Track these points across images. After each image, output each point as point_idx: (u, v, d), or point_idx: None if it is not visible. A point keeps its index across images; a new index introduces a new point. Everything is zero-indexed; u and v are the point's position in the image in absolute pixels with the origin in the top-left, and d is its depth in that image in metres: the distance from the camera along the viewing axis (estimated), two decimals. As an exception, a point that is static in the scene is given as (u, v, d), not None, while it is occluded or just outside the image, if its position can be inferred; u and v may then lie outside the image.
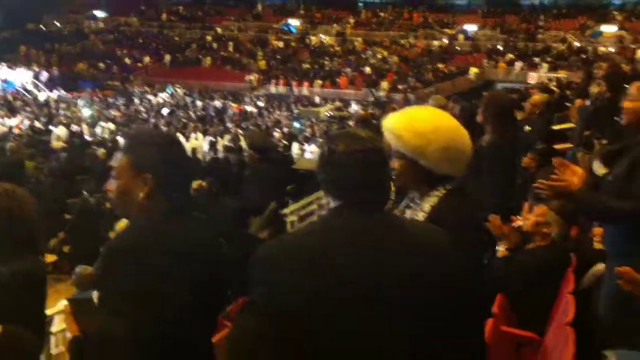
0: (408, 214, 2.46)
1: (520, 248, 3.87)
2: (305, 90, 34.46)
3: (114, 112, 24.14)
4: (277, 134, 18.94)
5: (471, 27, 39.57)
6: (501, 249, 3.83)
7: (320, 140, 16.81)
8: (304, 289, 1.75)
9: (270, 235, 4.94)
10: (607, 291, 3.34)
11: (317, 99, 31.75)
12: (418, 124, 2.33)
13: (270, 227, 4.99)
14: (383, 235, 1.83)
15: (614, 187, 3.19)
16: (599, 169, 5.10)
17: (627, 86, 3.99)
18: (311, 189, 12.08)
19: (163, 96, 31.10)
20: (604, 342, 3.19)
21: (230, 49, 40.74)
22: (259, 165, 5.09)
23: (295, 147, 16.86)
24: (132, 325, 1.86)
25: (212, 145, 16.87)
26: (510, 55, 34.41)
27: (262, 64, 37.96)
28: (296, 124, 23.08)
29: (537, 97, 7.72)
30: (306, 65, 37.44)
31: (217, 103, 29.59)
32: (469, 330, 2.03)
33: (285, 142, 17.11)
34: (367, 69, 35.78)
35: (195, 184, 10.87)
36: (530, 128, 6.91)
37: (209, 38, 42.40)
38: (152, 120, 22.20)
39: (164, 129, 18.57)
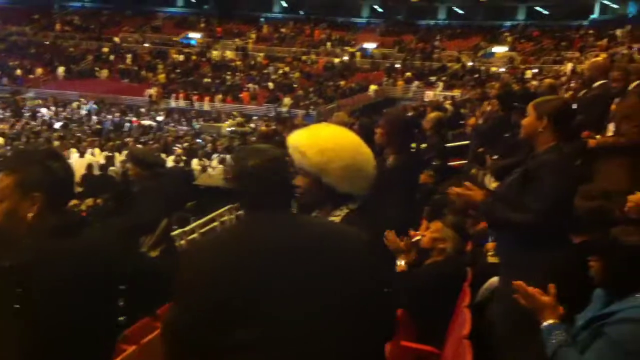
0: None
1: (418, 263, 3.94)
2: (206, 105, 34.09)
3: (2, 125, 22.96)
4: (177, 149, 18.59)
5: (370, 45, 40.52)
6: (400, 264, 3.89)
7: (224, 156, 16.66)
8: (219, 286, 1.85)
9: (162, 254, 4.79)
10: (501, 303, 3.45)
11: (218, 114, 31.50)
12: (321, 141, 2.34)
13: (162, 246, 4.84)
14: (295, 233, 1.97)
15: (507, 199, 3.35)
16: (491, 183, 5.32)
17: (517, 105, 4.17)
18: (214, 205, 11.90)
19: (54, 109, 29.91)
20: (500, 353, 3.29)
21: (129, 61, 39.77)
22: (147, 182, 4.92)
23: (194, 163, 16.61)
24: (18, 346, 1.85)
25: (109, 160, 16.33)
26: (408, 74, 35.45)
27: (162, 77, 37.25)
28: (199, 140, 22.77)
29: (430, 116, 7.97)
30: (207, 80, 37.07)
31: (114, 117, 28.75)
32: (372, 337, 2.04)
33: (185, 157, 16.83)
34: (270, 85, 35.86)
35: (89, 201, 10.51)
36: (426, 145, 7.09)
37: (105, 50, 41.21)
38: (44, 135, 21.26)
39: (57, 143, 17.82)
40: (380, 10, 43.52)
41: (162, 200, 4.95)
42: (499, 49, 37.48)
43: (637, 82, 6.71)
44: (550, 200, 3.15)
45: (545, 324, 2.74)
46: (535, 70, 30.90)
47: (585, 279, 2.94)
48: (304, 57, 39.39)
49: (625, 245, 2.64)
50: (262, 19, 44.87)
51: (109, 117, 28.83)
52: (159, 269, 4.15)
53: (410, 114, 11.20)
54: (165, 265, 4.51)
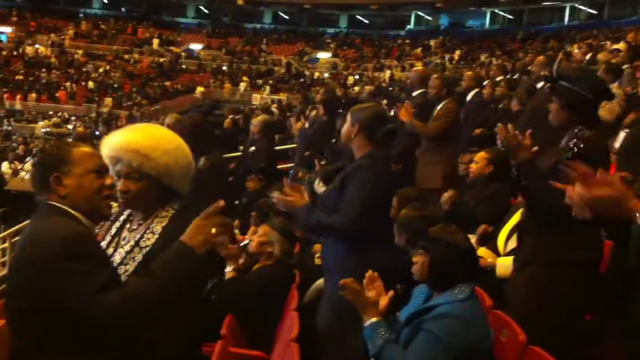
0: (128, 235, 2.36)
1: (247, 268, 3.93)
2: (18, 104, 31.74)
3: None
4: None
5: (196, 46, 40.00)
6: (229, 270, 3.85)
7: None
8: None
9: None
10: (327, 304, 3.53)
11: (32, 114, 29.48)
12: (163, 142, 2.31)
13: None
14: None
15: (329, 203, 3.44)
16: (319, 187, 5.44)
17: (341, 111, 4.29)
18: (27, 212, 11.05)
19: None
20: (326, 354, 3.36)
21: None
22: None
23: (4, 166, 15.40)
24: None
25: None
26: (237, 77, 35.45)
27: (-33, 73, 34.22)
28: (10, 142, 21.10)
29: (256, 119, 8.01)
30: (19, 77, 34.53)
31: None
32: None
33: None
34: (90, 84, 34.16)
35: None
36: (255, 148, 7.12)
37: None
38: None
39: None
40: (206, 11, 43.10)
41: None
42: (323, 55, 38.66)
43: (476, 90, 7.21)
44: (361, 204, 3.28)
45: (368, 322, 2.84)
46: (357, 77, 32.24)
47: (407, 277, 3.09)
48: (126, 56, 37.98)
49: (446, 242, 2.82)
50: (80, 14, 42.57)
51: None
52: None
53: (236, 117, 11.16)
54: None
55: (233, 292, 3.77)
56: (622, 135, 4.86)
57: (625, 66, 7.78)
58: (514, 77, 10.43)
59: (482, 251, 4.15)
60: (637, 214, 1.76)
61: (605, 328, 2.98)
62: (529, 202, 3.28)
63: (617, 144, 4.45)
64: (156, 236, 2.29)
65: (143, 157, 2.27)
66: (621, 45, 12.38)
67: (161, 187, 2.32)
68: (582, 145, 2.98)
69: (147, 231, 2.31)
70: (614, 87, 6.59)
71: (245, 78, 35.01)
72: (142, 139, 2.31)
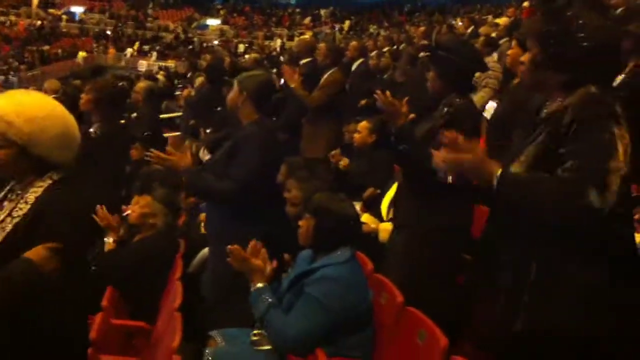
0: (7, 205, 2.25)
1: (129, 239, 3.84)
2: None
3: None
4: None
5: (78, 9, 38.07)
6: (109, 242, 3.75)
7: None
8: None
9: None
10: (211, 272, 3.53)
11: None
12: (29, 109, 2.18)
13: None
14: None
15: (215, 170, 3.42)
16: (204, 155, 5.38)
17: (227, 78, 4.24)
18: None
19: None
20: (211, 321, 3.36)
21: None
22: None
23: None
24: None
25: None
26: (122, 42, 34.12)
27: None
28: None
29: (139, 85, 7.76)
30: None
31: None
32: None
33: None
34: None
35: None
36: (138, 115, 6.91)
37: None
38: None
39: None
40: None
41: None
42: (213, 22, 37.90)
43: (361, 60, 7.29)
44: (248, 170, 3.29)
45: (255, 287, 2.88)
46: (247, 45, 31.90)
47: (293, 244, 3.14)
48: (1, 18, 35.64)
49: (330, 207, 2.94)
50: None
51: None
52: None
53: (120, 83, 10.78)
54: None
55: (113, 263, 3.69)
56: (492, 105, 5.09)
57: (502, 40, 8.11)
58: (400, 48, 10.65)
59: (366, 217, 4.27)
60: (494, 176, 1.87)
61: (476, 292, 3.13)
62: (405, 168, 3.41)
63: (487, 115, 4.65)
64: (28, 206, 2.19)
65: (6, 123, 2.15)
66: (501, 20, 12.90)
67: (32, 156, 2.21)
68: (453, 112, 3.11)
69: (21, 201, 2.21)
70: (492, 60, 6.87)
71: (137, 45, 33.78)
72: (5, 105, 2.19)
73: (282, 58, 13.40)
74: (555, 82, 1.98)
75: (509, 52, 4.89)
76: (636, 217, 3.16)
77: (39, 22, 35.64)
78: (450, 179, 1.90)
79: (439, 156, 1.89)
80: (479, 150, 1.90)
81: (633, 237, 2.06)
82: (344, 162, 4.78)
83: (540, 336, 1.95)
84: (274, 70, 10.38)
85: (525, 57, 2.04)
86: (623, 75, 4.02)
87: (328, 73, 5.98)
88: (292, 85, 5.83)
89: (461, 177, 1.90)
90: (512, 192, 1.87)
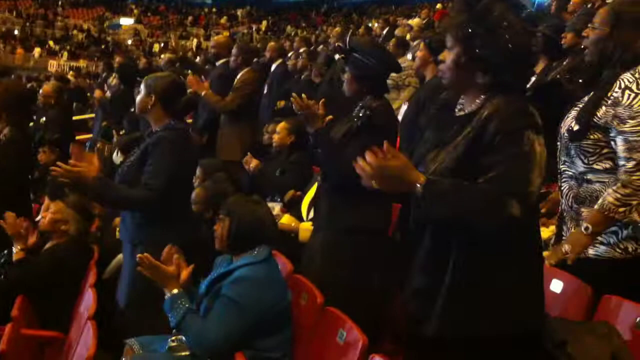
0: None
1: (38, 247, 3.70)
2: None
3: None
4: None
5: (-18, 8, 36.39)
6: (17, 250, 3.60)
7: None
8: None
9: None
10: (127, 279, 3.44)
11: None
12: None
13: None
14: None
15: (128, 176, 3.33)
16: (118, 158, 5.24)
17: (139, 79, 4.16)
18: None
19: None
20: (126, 329, 3.27)
21: None
22: None
23: None
24: None
25: None
26: (30, 42, 32.80)
27: None
28: None
29: (47, 86, 7.49)
30: None
31: None
32: None
33: None
34: None
35: None
36: (47, 118, 6.67)
37: None
38: None
39: None
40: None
41: None
42: (125, 21, 37.02)
43: (255, 59, 7.28)
44: (164, 176, 3.22)
45: (169, 294, 2.82)
46: (162, 45, 31.33)
47: (207, 248, 3.11)
48: None
49: (244, 209, 2.94)
50: None
51: None
52: None
53: (29, 84, 10.38)
54: None
55: (23, 271, 3.55)
56: (403, 108, 5.18)
57: (416, 42, 8.29)
58: (317, 49, 10.72)
59: (286, 218, 4.28)
60: (417, 185, 1.89)
61: (393, 291, 3.18)
62: (322, 169, 3.43)
63: (400, 117, 4.73)
64: None
65: None
66: (414, 22, 13.20)
67: None
68: (369, 114, 3.15)
69: None
70: (405, 60, 7.00)
71: (52, 44, 32.48)
72: None
73: (197, 59, 13.21)
74: (477, 83, 2.01)
75: (418, 54, 4.99)
76: (543, 210, 3.30)
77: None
78: (374, 184, 1.90)
79: (363, 163, 1.89)
80: (402, 157, 1.91)
81: (539, 232, 2.14)
82: (254, 163, 4.76)
83: (452, 341, 1.99)
84: (189, 72, 10.24)
85: (445, 56, 2.06)
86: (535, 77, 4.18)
87: (241, 73, 5.94)
88: (202, 94, 5.78)
89: (384, 184, 1.90)
90: (436, 202, 1.89)
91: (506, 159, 1.88)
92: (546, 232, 3.18)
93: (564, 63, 4.32)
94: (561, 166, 2.75)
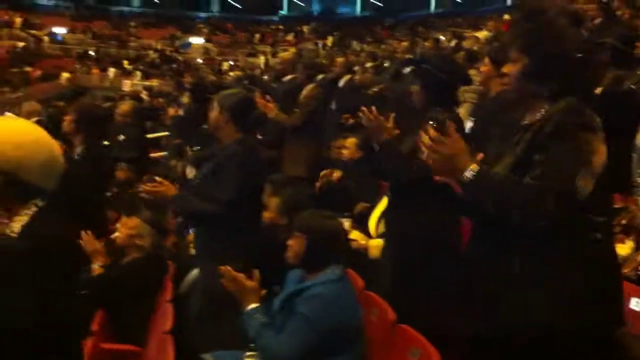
0: None
1: (115, 263, 3.81)
2: None
3: None
4: None
5: (60, 30, 37.95)
6: (96, 266, 3.72)
7: None
8: None
9: None
10: (201, 293, 3.51)
11: None
12: (17, 136, 2.14)
13: None
14: None
15: (199, 191, 3.41)
16: (191, 173, 5.37)
17: (211, 96, 4.25)
18: None
19: None
20: (201, 343, 3.33)
21: None
22: None
23: None
24: None
25: None
26: (105, 62, 34.01)
27: None
28: None
29: (124, 105, 7.74)
30: None
31: None
32: None
33: None
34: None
35: None
36: (124, 137, 6.88)
37: None
38: None
39: None
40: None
41: None
42: (196, 40, 37.93)
43: (322, 75, 7.34)
44: (232, 190, 3.28)
45: (248, 308, 2.86)
46: (232, 63, 31.92)
47: (280, 261, 3.13)
48: (-17, 41, 35.47)
49: (320, 226, 2.95)
50: None
51: None
52: None
53: (106, 104, 10.75)
54: None
55: (102, 287, 3.65)
56: (468, 124, 5.10)
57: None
58: (383, 63, 10.71)
59: (355, 234, 4.28)
60: (468, 170, 1.92)
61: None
62: (390, 183, 3.42)
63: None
64: (14, 234, 2.15)
65: None
66: (481, 34, 13.04)
67: (18, 183, 2.17)
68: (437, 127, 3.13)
69: (7, 231, 2.18)
70: (475, 73, 6.91)
71: (126, 64, 33.63)
72: None
73: (265, 77, 13.39)
74: (542, 92, 2.02)
75: (482, 68, 4.91)
76: (620, 224, 3.19)
77: (21, 44, 35.49)
78: (430, 160, 1.95)
79: (426, 138, 1.94)
80: (462, 142, 1.96)
81: (612, 245, 2.10)
82: (337, 174, 4.77)
83: (518, 342, 1.98)
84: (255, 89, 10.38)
85: (510, 69, 2.08)
86: (602, 87, 4.08)
87: (305, 90, 5.99)
88: (270, 115, 5.82)
89: (440, 162, 1.94)
90: (481, 190, 1.94)
91: (553, 156, 1.91)
92: (624, 249, 3.08)
93: (638, 73, 4.20)
94: (637, 178, 2.67)
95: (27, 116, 4.49)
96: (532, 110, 2.08)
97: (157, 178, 3.43)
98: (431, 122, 3.12)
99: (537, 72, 2.02)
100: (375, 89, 7.63)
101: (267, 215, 3.62)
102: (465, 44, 10.54)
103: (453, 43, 11.83)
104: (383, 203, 4.07)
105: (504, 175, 1.97)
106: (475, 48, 9.57)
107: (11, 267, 2.02)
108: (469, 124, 5.07)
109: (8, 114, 3.66)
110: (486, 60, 4.81)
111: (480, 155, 2.00)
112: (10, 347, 2.01)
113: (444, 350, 2.59)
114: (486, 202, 1.95)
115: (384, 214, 3.72)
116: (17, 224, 2.14)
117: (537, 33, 2.03)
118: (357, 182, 4.84)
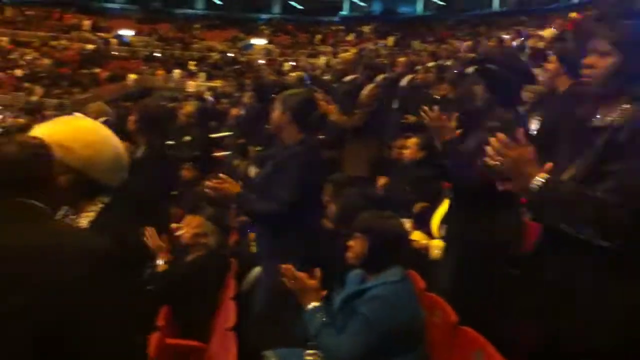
0: None
1: (180, 261, 3.88)
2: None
3: None
4: None
5: (127, 33, 39.00)
6: (160, 263, 3.80)
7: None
8: None
9: None
10: (263, 291, 3.54)
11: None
12: (86, 134, 2.24)
13: None
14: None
15: (260, 188, 3.45)
16: (253, 173, 5.43)
17: (274, 96, 4.29)
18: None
19: None
20: (263, 340, 3.37)
21: None
22: None
23: None
24: None
25: None
26: (170, 64, 34.77)
27: None
28: None
29: (189, 106, 7.89)
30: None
31: None
32: None
33: None
34: (17, 72, 32.93)
35: None
36: (189, 137, 7.02)
37: None
38: None
39: None
40: (135, -5, 42.02)
41: None
42: (258, 41, 38.33)
43: (384, 75, 7.31)
44: (293, 190, 3.30)
45: (309, 306, 2.87)
46: (293, 63, 32.12)
47: (340, 261, 3.13)
48: (53, 43, 36.72)
49: (382, 227, 2.92)
50: (4, 1, 40.81)
51: None
52: None
53: (170, 104, 10.97)
54: None
55: (168, 283, 3.73)
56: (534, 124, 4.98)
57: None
58: (446, 62, 10.58)
59: (417, 234, 4.24)
60: (536, 179, 1.85)
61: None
62: (452, 183, 3.38)
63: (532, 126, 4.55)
64: None
65: (64, 149, 2.20)
66: (546, 32, 12.73)
67: (86, 180, 2.25)
68: (499, 127, 3.07)
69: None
70: (539, 72, 6.76)
71: (192, 65, 34.29)
72: (62, 131, 2.24)
73: (325, 77, 13.42)
74: (628, 92, 1.93)
75: (549, 66, 4.78)
76: None
77: (89, 46, 36.61)
78: (493, 164, 1.89)
79: (494, 143, 1.89)
80: (530, 149, 1.90)
81: None
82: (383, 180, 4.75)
83: (583, 356, 1.92)
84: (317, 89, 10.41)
85: (595, 61, 1.98)
86: None
87: (366, 90, 5.97)
88: (332, 118, 5.81)
89: (506, 167, 1.89)
90: (549, 202, 1.87)
91: (627, 170, 1.82)
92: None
93: None
94: None
95: (95, 116, 4.61)
96: (606, 110, 1.99)
97: (221, 175, 3.48)
98: (495, 124, 3.09)
99: (628, 69, 1.92)
100: (436, 89, 7.57)
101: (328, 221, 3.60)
102: (530, 42, 10.31)
103: (517, 42, 11.59)
104: (446, 203, 4.02)
105: (574, 186, 1.88)
106: (540, 46, 9.37)
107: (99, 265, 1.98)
108: (533, 125, 4.97)
109: (77, 114, 3.75)
110: (553, 58, 4.70)
111: (549, 165, 1.91)
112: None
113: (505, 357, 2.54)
114: (554, 215, 1.88)
115: (447, 214, 3.67)
116: (84, 220, 2.22)
117: (635, 27, 1.93)
118: (417, 182, 4.80)
